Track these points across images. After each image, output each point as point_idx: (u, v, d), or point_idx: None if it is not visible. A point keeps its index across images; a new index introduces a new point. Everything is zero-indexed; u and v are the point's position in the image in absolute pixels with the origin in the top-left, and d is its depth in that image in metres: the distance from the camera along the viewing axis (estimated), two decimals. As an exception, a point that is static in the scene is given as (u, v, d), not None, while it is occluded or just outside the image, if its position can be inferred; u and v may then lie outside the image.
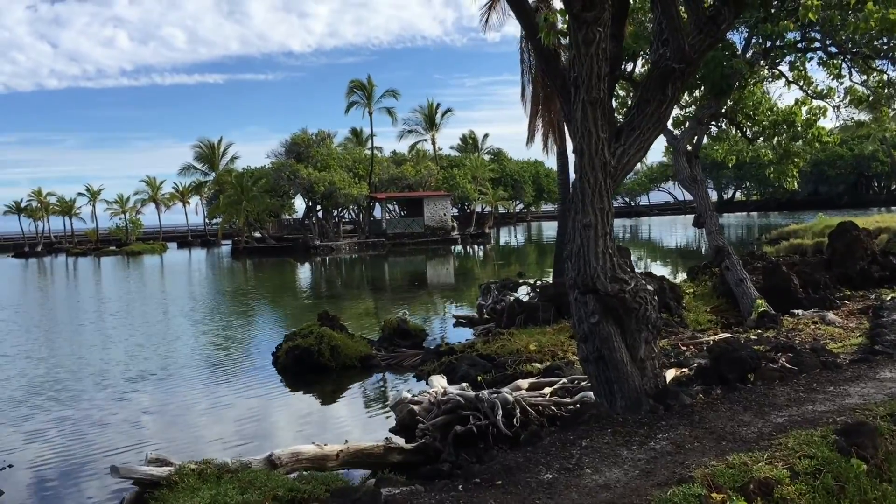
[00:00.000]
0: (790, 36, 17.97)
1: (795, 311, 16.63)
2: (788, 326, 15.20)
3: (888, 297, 17.33)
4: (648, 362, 8.30)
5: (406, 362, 16.66)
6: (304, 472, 8.15)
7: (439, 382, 12.18)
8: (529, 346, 15.08)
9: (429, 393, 11.17)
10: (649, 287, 8.18)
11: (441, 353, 16.08)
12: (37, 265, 71.66)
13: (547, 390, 11.73)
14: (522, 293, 21.73)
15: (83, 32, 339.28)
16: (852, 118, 20.65)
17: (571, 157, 24.85)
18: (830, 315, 15.65)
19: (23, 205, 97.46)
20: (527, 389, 11.93)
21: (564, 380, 12.09)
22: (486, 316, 21.19)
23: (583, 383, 11.68)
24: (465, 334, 20.21)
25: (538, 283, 22.12)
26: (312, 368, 16.19)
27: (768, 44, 17.85)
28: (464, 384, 12.29)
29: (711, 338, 14.57)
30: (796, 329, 14.82)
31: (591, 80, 7.09)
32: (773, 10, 15.89)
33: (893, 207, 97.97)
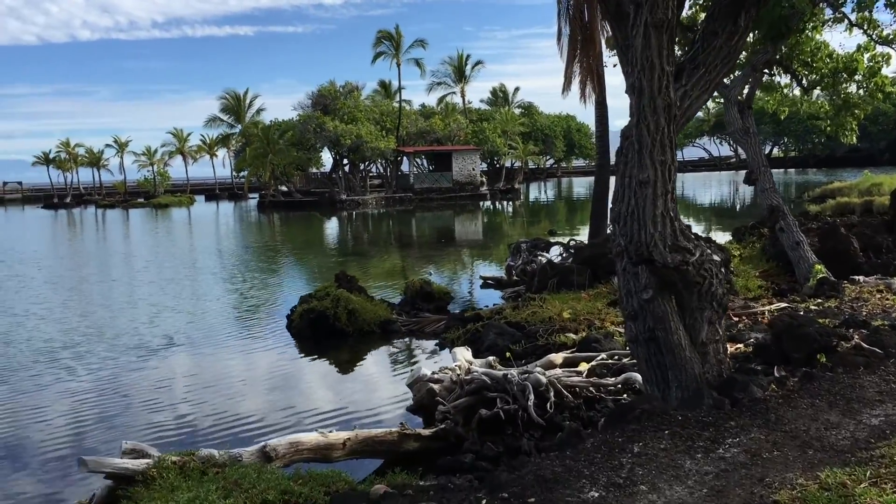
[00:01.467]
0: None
1: (856, 278, 15.12)
2: (851, 295, 13.71)
3: (960, 262, 15.77)
4: (711, 346, 6.97)
5: (429, 328, 15.48)
6: (302, 469, 7.00)
7: (463, 355, 10.95)
8: (563, 313, 13.76)
9: (451, 369, 9.94)
10: (716, 257, 6.81)
11: (466, 319, 14.85)
12: (66, 217, 71.49)
13: (584, 367, 10.46)
14: (554, 254, 20.36)
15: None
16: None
17: (612, 107, 23.34)
18: (898, 283, 14.13)
19: (51, 156, 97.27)
20: (561, 365, 10.67)
21: (603, 355, 10.80)
22: (515, 278, 19.88)
23: (625, 360, 10.40)
24: (492, 297, 18.96)
25: (571, 242, 20.67)
26: (328, 333, 15.05)
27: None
28: (490, 358, 11.06)
29: (767, 307, 13.16)
30: (861, 299, 13.34)
31: (657, -6, 5.68)
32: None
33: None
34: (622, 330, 12.68)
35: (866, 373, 7.34)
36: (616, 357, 10.65)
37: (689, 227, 6.68)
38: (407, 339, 15.29)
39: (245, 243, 40.11)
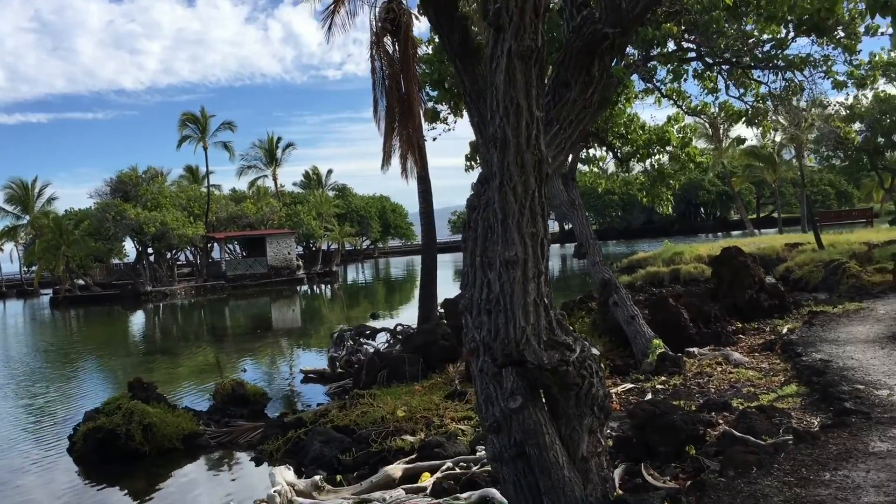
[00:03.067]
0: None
1: (691, 350, 14.72)
2: (693, 370, 13.17)
3: (784, 329, 15.81)
4: (593, 461, 5.65)
5: (243, 439, 13.34)
6: None
7: (283, 477, 9.08)
8: (397, 411, 12.17)
9: (265, 502, 8.06)
10: (595, 350, 5.55)
11: (287, 425, 12.87)
12: None
13: (428, 479, 8.90)
14: (381, 341, 18.83)
15: None
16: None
17: (435, 182, 22.40)
18: (736, 354, 13.78)
19: None
20: (401, 480, 9.06)
21: (449, 463, 9.30)
22: (339, 370, 18.10)
23: (474, 468, 8.96)
24: (316, 393, 17.07)
25: (399, 328, 19.22)
26: (120, 456, 12.54)
27: (643, 53, 16.16)
28: (317, 477, 9.28)
29: (614, 389, 12.25)
30: (704, 373, 12.78)
31: (524, 16, 4.45)
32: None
33: (719, 233, 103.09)
34: (464, 428, 11.30)
35: (761, 475, 6.29)
36: (463, 465, 9.19)
37: (562, 313, 5.43)
38: (217, 454, 13.07)
39: (35, 346, 35.42)
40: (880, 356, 11.19)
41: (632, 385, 12.53)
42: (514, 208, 4.74)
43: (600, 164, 21.36)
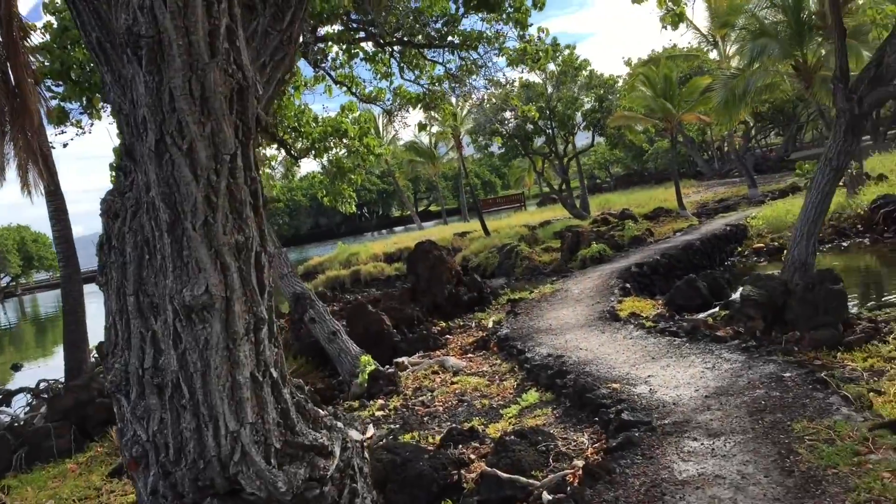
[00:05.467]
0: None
1: (400, 360, 13.14)
2: (410, 384, 11.52)
3: (489, 323, 14.88)
4: None
5: None
6: None
7: None
8: (43, 508, 8.88)
9: None
10: (356, 434, 3.35)
11: None
12: None
13: None
14: (20, 406, 14.69)
15: None
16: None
17: (87, 204, 18.04)
18: (452, 359, 12.38)
19: None
20: None
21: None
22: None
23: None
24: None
25: (43, 385, 15.05)
26: None
27: (313, 32, 14.23)
28: None
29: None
30: (423, 387, 11.17)
31: None
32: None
33: (384, 231, 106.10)
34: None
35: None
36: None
37: (304, 387, 3.17)
38: None
39: None
40: (607, 342, 10.38)
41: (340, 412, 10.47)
42: (195, 194, 2.41)
43: (272, 163, 19.13)
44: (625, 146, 53.08)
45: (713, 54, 43.40)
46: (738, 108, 24.04)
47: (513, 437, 7.02)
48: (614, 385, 7.88)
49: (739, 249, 22.22)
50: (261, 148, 17.64)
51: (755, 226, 23.22)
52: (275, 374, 2.79)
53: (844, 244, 20.34)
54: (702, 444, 5.76)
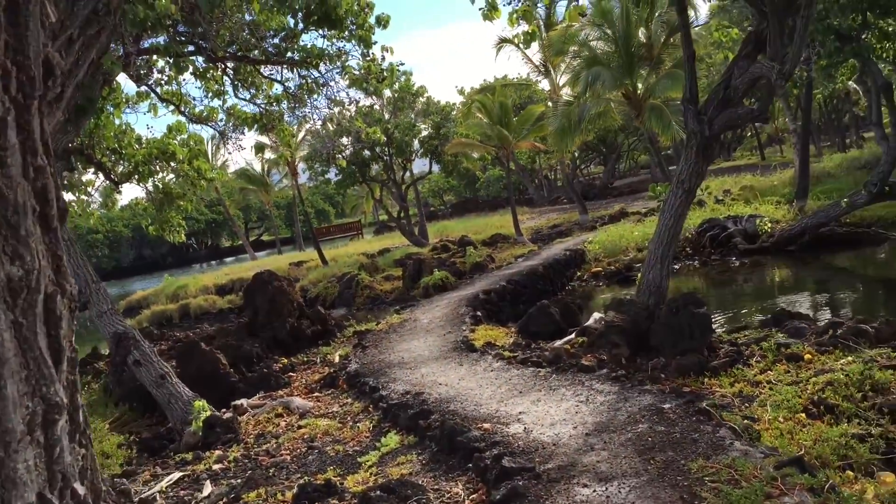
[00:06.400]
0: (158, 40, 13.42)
1: (239, 403, 11.96)
2: (251, 431, 10.43)
3: (335, 358, 13.96)
4: None
5: None
6: None
7: None
8: None
9: None
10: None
11: None
12: None
13: None
14: None
15: None
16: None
17: None
18: (297, 400, 11.37)
19: None
20: None
21: None
22: None
23: None
24: None
25: None
26: None
27: (135, 43, 12.89)
28: None
29: (154, 487, 8.82)
30: (267, 433, 10.11)
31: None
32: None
33: (213, 262, 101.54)
34: None
35: None
36: None
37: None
38: None
39: None
40: (467, 376, 9.78)
41: (179, 473, 9.22)
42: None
43: (88, 189, 17.29)
44: (459, 174, 53.64)
45: (544, 84, 44.78)
46: (573, 134, 24.59)
47: (379, 492, 6.19)
48: (485, 425, 7.25)
49: (579, 274, 22.55)
50: (74, 172, 15.92)
51: (592, 250, 23.68)
52: (81, 492, 1.85)
53: (676, 266, 21.05)
54: (594, 490, 5.21)
